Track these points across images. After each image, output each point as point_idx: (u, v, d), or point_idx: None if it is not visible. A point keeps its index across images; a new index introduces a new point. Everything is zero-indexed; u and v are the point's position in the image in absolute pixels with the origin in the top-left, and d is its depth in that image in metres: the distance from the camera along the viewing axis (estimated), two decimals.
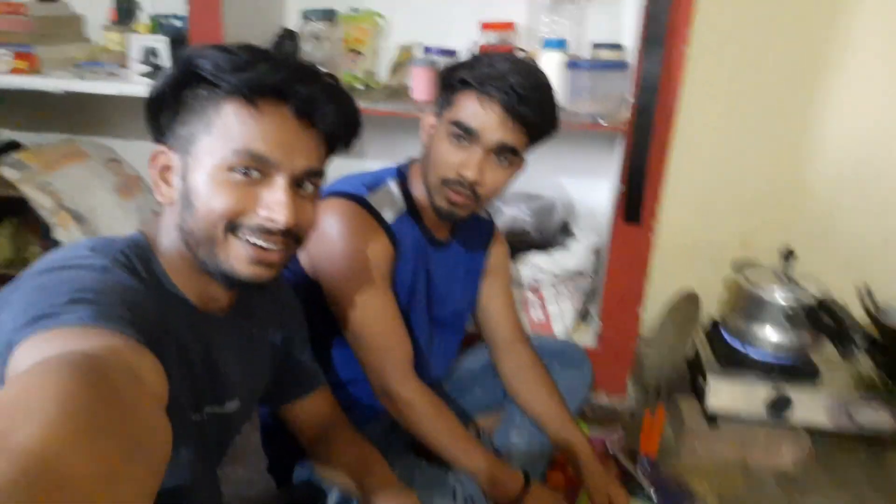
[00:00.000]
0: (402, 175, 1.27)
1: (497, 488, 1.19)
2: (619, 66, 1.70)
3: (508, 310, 1.46)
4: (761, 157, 2.02)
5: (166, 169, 0.80)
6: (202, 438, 0.87)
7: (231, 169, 0.74)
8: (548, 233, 1.93)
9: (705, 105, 1.96)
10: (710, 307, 2.04)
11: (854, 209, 2.03)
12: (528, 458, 1.41)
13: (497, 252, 1.45)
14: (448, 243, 1.32)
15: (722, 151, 2.04)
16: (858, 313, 1.76)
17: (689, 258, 2.16)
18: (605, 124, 1.64)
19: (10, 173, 1.87)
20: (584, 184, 2.08)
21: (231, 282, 0.80)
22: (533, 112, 1.09)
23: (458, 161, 1.12)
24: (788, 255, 1.74)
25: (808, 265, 1.82)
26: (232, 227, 0.76)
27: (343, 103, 0.81)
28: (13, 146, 2.14)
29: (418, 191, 1.24)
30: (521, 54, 1.53)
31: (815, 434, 1.73)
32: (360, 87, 1.89)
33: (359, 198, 1.18)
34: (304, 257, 1.21)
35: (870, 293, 1.80)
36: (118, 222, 1.93)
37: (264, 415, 1.32)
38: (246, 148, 0.74)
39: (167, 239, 0.81)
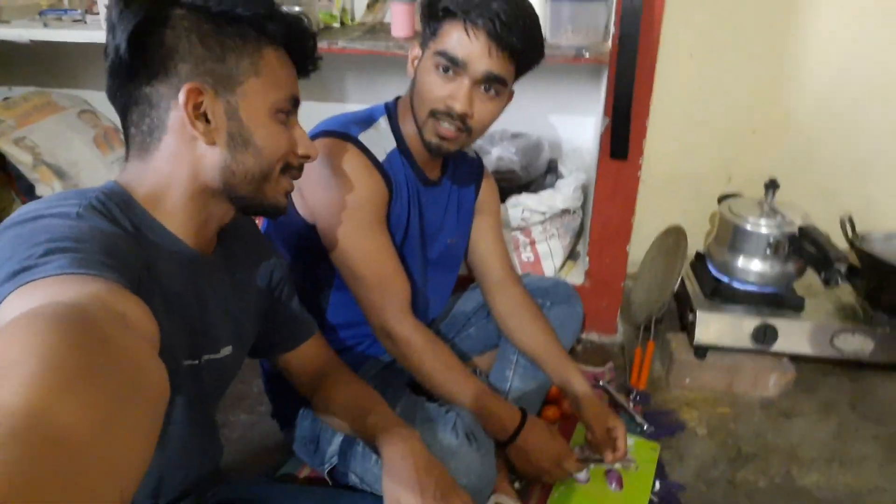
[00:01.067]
0: (390, 112, 1.24)
1: (495, 423, 1.21)
2: None
3: (499, 249, 1.46)
4: (741, 87, 2.01)
5: (198, 106, 0.75)
6: (197, 385, 0.87)
7: (281, 111, 0.81)
8: (535, 171, 1.91)
9: (683, 36, 1.94)
10: (697, 242, 2.05)
11: (831, 136, 2.03)
12: (525, 395, 1.43)
13: (486, 189, 1.44)
14: (439, 182, 1.31)
15: (702, 83, 2.02)
16: (841, 242, 1.79)
17: (674, 193, 2.17)
18: (588, 56, 1.62)
19: None
20: (569, 121, 2.07)
21: (256, 212, 0.87)
22: (519, 39, 1.07)
23: (446, 93, 1.10)
24: (771, 185, 1.74)
25: (791, 195, 1.83)
26: (287, 167, 0.85)
27: (313, 37, 0.88)
28: None
29: (408, 128, 1.22)
30: None
31: (800, 362, 1.76)
32: (335, 25, 1.85)
33: (351, 137, 1.16)
34: (301, 202, 1.19)
35: (851, 221, 1.82)
36: (100, 176, 1.89)
37: (266, 362, 1.31)
38: (292, 94, 0.83)
39: (174, 178, 0.78)
